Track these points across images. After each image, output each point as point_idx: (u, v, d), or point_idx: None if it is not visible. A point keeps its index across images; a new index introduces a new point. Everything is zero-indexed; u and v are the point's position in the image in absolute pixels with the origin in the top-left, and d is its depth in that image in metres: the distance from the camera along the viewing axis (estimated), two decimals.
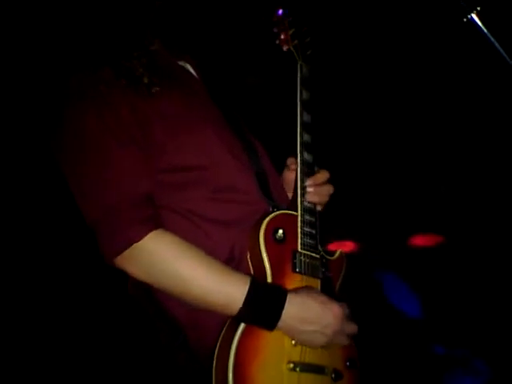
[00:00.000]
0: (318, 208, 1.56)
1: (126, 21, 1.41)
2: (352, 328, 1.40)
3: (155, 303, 1.41)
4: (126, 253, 1.28)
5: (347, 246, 3.87)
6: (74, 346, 2.90)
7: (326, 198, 1.58)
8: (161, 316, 1.41)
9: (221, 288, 1.30)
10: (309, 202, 1.51)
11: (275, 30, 1.68)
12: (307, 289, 1.38)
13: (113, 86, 1.33)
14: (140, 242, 1.28)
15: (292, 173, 1.66)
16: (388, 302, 3.71)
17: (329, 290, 1.47)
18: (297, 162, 1.55)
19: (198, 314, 1.35)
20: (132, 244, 1.28)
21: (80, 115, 1.32)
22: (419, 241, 4.18)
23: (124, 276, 1.35)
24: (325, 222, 1.56)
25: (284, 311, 1.30)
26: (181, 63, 1.59)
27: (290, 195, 1.64)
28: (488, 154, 3.85)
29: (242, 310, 1.29)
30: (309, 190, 1.51)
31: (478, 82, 3.48)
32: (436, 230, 4.11)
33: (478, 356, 3.37)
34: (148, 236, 1.29)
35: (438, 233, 4.09)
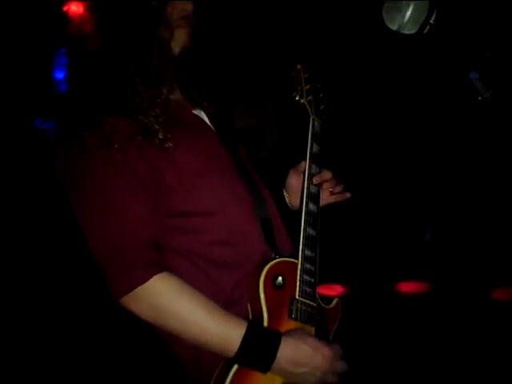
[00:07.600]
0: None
1: (145, 75, 1.46)
2: (342, 367, 1.46)
3: (158, 341, 1.46)
4: (132, 294, 1.34)
5: (335, 290, 3.91)
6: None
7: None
8: (163, 353, 1.46)
9: (219, 331, 1.35)
10: (311, 251, 1.56)
11: (292, 84, 1.77)
12: (301, 332, 1.43)
13: (129, 139, 1.39)
14: (145, 284, 1.34)
15: (298, 178, 1.76)
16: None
17: (323, 336, 1.52)
18: (303, 194, 1.61)
19: (200, 354, 1.40)
20: (137, 286, 1.34)
21: (96, 165, 1.39)
22: (406, 288, 4.22)
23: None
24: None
25: (278, 355, 1.35)
26: (196, 112, 1.65)
27: (294, 202, 1.78)
28: (471, 201, 3.96)
29: (238, 352, 1.34)
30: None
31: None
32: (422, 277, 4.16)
33: None
34: (153, 278, 1.35)
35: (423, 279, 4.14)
